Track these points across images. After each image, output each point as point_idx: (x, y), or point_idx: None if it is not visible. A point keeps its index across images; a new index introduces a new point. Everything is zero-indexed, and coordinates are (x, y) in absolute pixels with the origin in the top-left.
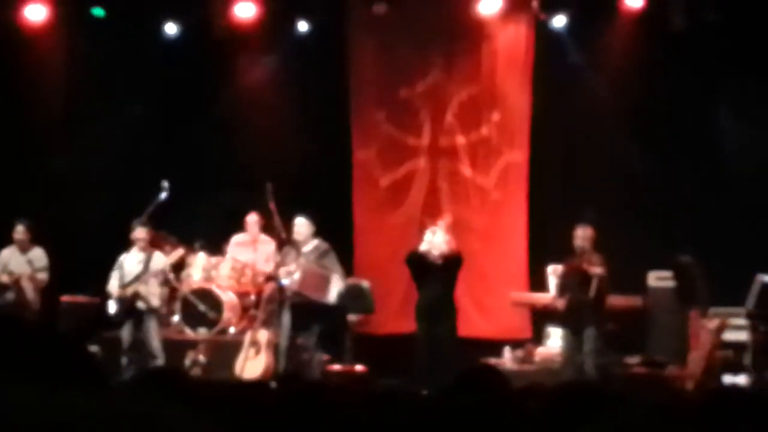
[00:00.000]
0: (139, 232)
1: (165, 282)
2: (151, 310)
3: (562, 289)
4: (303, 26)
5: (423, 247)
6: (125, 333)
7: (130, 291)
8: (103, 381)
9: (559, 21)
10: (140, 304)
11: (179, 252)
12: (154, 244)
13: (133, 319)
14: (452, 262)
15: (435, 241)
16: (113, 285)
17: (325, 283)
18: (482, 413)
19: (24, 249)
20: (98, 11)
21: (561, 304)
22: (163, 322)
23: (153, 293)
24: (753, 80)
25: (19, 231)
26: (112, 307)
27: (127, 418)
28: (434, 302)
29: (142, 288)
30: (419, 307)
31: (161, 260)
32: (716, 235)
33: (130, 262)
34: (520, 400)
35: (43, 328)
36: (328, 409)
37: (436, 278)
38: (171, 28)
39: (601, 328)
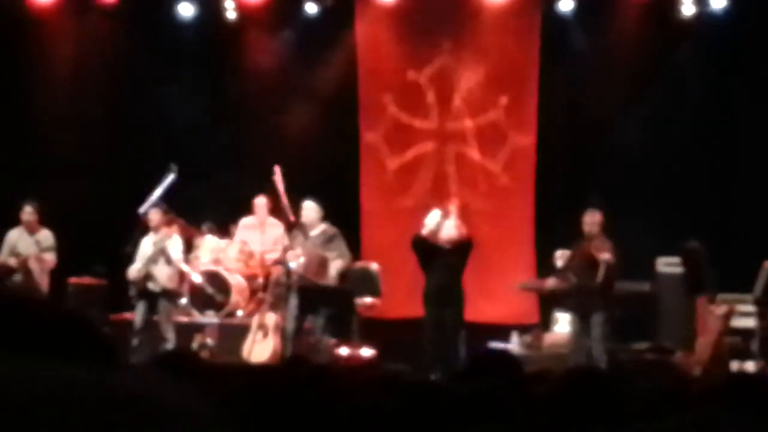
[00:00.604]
0: (153, 214)
1: (168, 261)
2: (165, 292)
3: (563, 271)
4: (311, 8)
5: (425, 230)
6: (138, 314)
7: (142, 272)
8: (116, 360)
9: (566, 5)
10: (152, 286)
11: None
12: (166, 225)
13: (147, 300)
14: (462, 247)
15: (444, 226)
16: (133, 268)
17: (324, 265)
18: (492, 399)
19: (32, 230)
20: None
21: (552, 283)
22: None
23: (166, 274)
24: (761, 67)
25: (27, 212)
26: (131, 290)
27: (135, 398)
28: (442, 287)
29: (154, 268)
30: (427, 292)
31: (172, 239)
32: (725, 221)
33: (146, 244)
34: (529, 386)
35: (56, 307)
36: (336, 392)
37: (444, 263)
38: (184, 10)
39: (609, 314)
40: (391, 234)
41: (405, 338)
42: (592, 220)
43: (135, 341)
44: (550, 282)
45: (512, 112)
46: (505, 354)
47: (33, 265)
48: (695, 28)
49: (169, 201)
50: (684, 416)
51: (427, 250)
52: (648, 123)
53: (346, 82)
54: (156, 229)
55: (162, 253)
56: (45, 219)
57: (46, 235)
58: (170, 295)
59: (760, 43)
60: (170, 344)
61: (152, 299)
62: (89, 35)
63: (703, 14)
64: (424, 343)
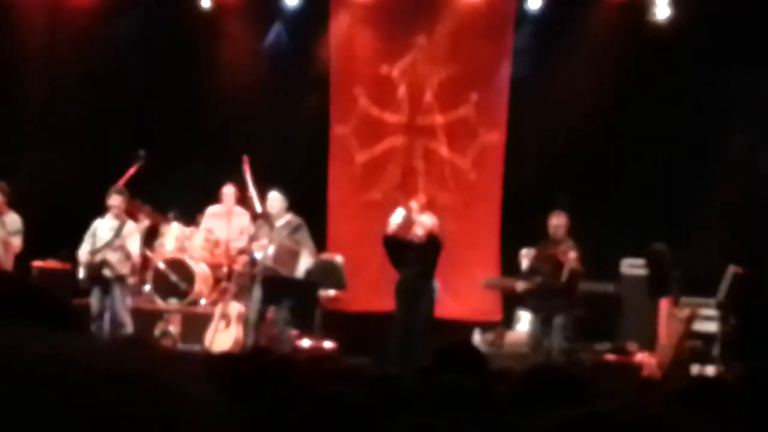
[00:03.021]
0: (114, 199)
1: (127, 256)
2: (119, 278)
3: (530, 272)
4: (288, 0)
5: (389, 229)
6: (93, 300)
7: (98, 258)
8: (84, 328)
9: (538, 3)
10: (107, 272)
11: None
12: (128, 212)
13: (101, 286)
14: (435, 244)
15: (422, 220)
16: (84, 250)
17: (294, 258)
18: (455, 394)
19: None
20: None
21: (521, 286)
22: (134, 291)
23: (121, 261)
24: (733, 72)
25: None
26: (81, 273)
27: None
28: (414, 282)
29: (110, 255)
30: (399, 286)
31: (132, 228)
32: (689, 224)
33: (103, 228)
34: (493, 383)
35: (14, 278)
36: (298, 384)
37: (416, 257)
38: None
39: (571, 315)
40: (357, 227)
41: (367, 332)
42: (557, 222)
43: (93, 327)
44: (519, 285)
45: (483, 109)
46: (469, 348)
47: None
48: (669, 31)
49: (136, 188)
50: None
51: (397, 247)
52: (616, 125)
53: (318, 74)
54: (117, 216)
55: (121, 247)
56: (12, 202)
57: (13, 219)
58: (123, 281)
59: (732, 49)
60: (128, 329)
61: (106, 285)
62: (62, 20)
63: (677, 17)
64: (391, 336)
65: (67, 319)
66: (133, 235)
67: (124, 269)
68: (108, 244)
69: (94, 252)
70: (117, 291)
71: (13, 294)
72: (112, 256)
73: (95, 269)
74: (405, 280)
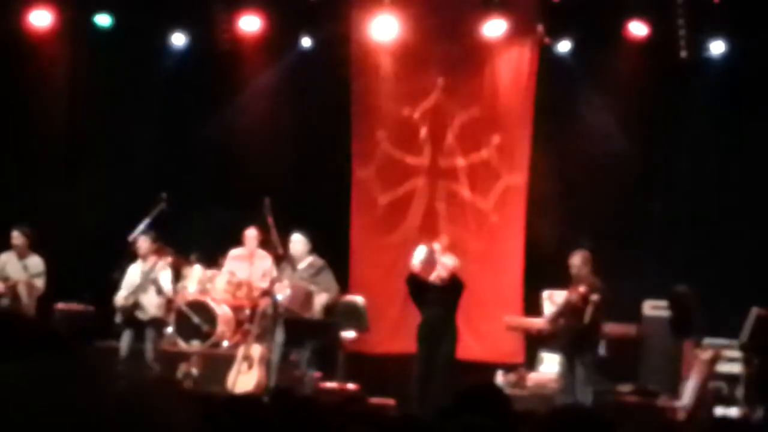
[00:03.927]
0: (142, 242)
1: (159, 291)
2: (152, 321)
3: (559, 314)
4: (306, 42)
5: (417, 264)
6: (124, 342)
7: (130, 300)
8: (71, 351)
9: (563, 46)
10: (140, 314)
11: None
12: (156, 253)
13: (133, 328)
14: (455, 285)
15: (444, 261)
16: (120, 295)
17: (309, 298)
18: None
19: (22, 255)
20: (102, 20)
21: (545, 325)
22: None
23: (154, 303)
24: (757, 114)
25: (17, 237)
26: (117, 318)
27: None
28: (435, 324)
29: (143, 297)
30: (421, 328)
31: (162, 266)
32: (713, 266)
33: (134, 272)
34: (516, 425)
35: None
36: (320, 426)
37: (436, 299)
38: (178, 39)
39: (595, 355)
40: (379, 269)
41: (390, 374)
42: (578, 261)
43: (120, 369)
44: (544, 323)
45: (505, 151)
46: (493, 389)
47: (21, 290)
48: (692, 71)
49: (158, 230)
50: None
51: (420, 287)
52: (640, 166)
53: (340, 116)
54: (144, 258)
55: (153, 283)
56: (35, 244)
57: (35, 261)
58: (158, 324)
59: (755, 89)
60: (154, 372)
61: (139, 327)
62: (84, 62)
63: (701, 58)
64: (413, 378)
65: (79, 362)
66: (164, 271)
67: (158, 312)
68: (140, 287)
69: (127, 296)
70: (151, 334)
71: (27, 336)
72: (145, 299)
73: (128, 312)
74: (427, 323)
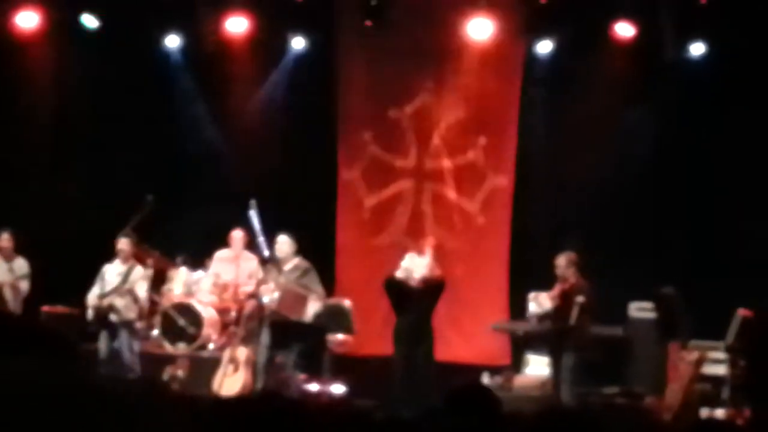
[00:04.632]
0: (123, 244)
1: (135, 300)
2: (125, 323)
3: (546, 316)
4: (294, 43)
5: (400, 273)
6: (101, 344)
7: (106, 302)
8: (73, 352)
9: (547, 47)
10: (113, 317)
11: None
12: (136, 256)
13: (108, 330)
14: (434, 288)
15: (416, 264)
16: (93, 294)
17: (302, 303)
18: None
19: (7, 257)
20: (89, 22)
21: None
22: (143, 335)
23: (128, 306)
24: (744, 113)
25: (3, 239)
26: (89, 315)
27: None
28: (412, 326)
29: (117, 300)
30: (397, 330)
31: (140, 273)
32: (698, 267)
33: (111, 273)
34: (502, 427)
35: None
36: (307, 428)
37: (414, 303)
38: (164, 40)
39: (580, 357)
40: (365, 271)
41: (376, 375)
42: (563, 262)
43: (101, 371)
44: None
45: (491, 153)
46: (484, 390)
47: (7, 292)
48: (678, 71)
49: (144, 233)
50: None
51: (398, 291)
52: (625, 167)
53: (326, 117)
54: (125, 260)
55: (129, 293)
56: (20, 247)
57: (21, 264)
58: (130, 325)
59: (741, 88)
60: (135, 374)
61: (113, 329)
62: (71, 64)
63: (686, 58)
64: (394, 380)
65: (73, 357)
66: (141, 279)
67: (131, 314)
68: (116, 289)
69: (102, 296)
70: (124, 335)
71: (21, 332)
72: (119, 302)
73: (102, 313)
74: (401, 324)
